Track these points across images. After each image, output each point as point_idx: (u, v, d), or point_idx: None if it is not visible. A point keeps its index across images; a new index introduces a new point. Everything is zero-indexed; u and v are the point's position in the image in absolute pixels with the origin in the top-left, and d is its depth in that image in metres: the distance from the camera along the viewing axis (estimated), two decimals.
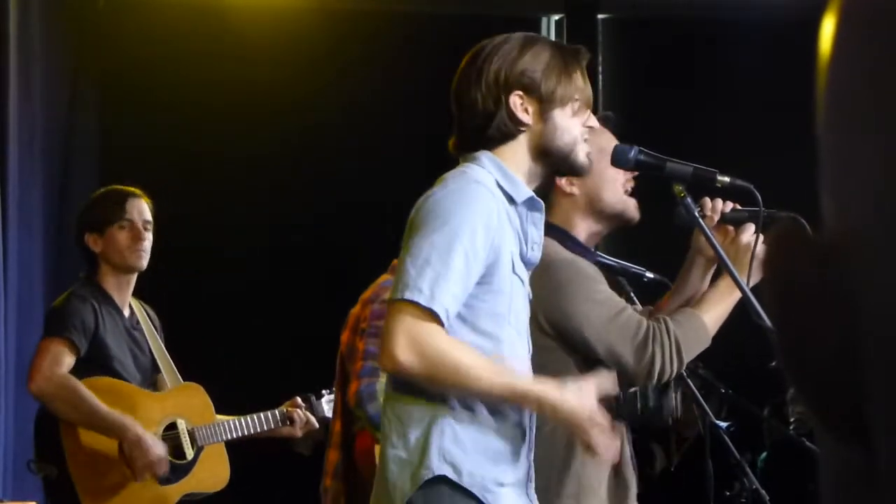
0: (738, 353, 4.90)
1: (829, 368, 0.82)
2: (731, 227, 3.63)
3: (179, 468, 5.03)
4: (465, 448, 3.02)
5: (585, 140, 3.24)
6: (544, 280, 3.48)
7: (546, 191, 3.66)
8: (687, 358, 3.56)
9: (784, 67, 6.52)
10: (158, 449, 4.88)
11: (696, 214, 3.50)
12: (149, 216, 5.13)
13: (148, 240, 5.09)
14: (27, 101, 5.89)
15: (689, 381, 4.24)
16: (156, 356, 5.18)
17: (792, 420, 6.48)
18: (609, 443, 3.03)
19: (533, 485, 3.19)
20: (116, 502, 4.89)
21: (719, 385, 5.13)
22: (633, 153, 3.52)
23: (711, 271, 3.74)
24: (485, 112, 3.16)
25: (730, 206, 3.62)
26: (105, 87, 6.94)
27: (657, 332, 3.52)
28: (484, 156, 3.15)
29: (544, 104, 3.18)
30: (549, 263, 3.53)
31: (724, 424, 4.42)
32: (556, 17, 7.77)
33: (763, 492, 4.28)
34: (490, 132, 3.16)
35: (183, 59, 7.07)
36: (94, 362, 4.93)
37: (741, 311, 3.57)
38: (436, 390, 3.01)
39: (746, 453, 4.64)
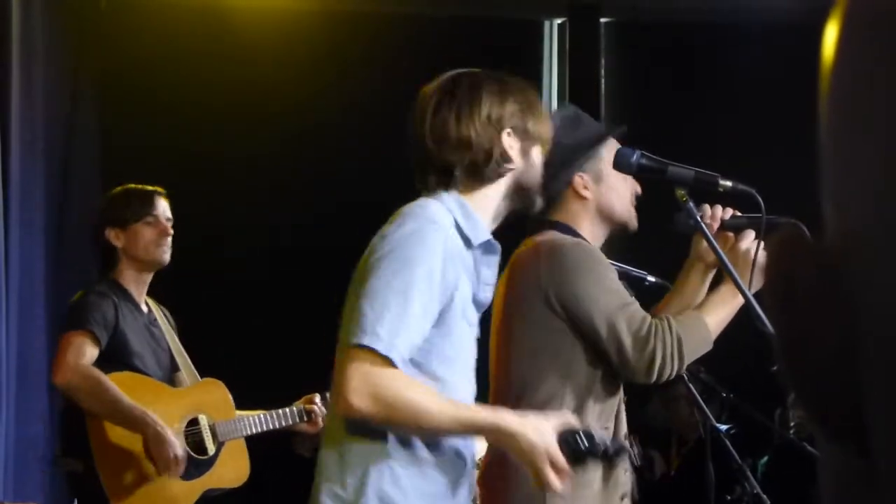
0: (738, 357, 4.90)
1: (828, 371, 0.82)
2: (730, 234, 3.64)
3: (202, 463, 5.06)
4: (404, 491, 3.02)
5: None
6: (555, 261, 3.50)
7: (558, 190, 3.68)
8: (688, 358, 3.57)
9: (784, 70, 6.52)
10: (177, 447, 4.87)
11: (699, 219, 3.51)
12: (170, 214, 5.19)
13: (171, 236, 5.15)
14: (29, 101, 5.89)
15: (690, 384, 4.24)
16: (174, 353, 5.21)
17: (792, 424, 6.49)
18: (558, 480, 3.00)
19: None
20: (141, 496, 4.89)
21: (720, 389, 5.13)
22: (635, 157, 3.52)
23: (711, 276, 3.75)
24: (481, 150, 3.16)
25: (729, 212, 3.62)
26: (106, 87, 6.94)
27: (660, 329, 3.53)
28: (448, 195, 3.15)
29: (526, 143, 3.21)
30: (561, 246, 3.55)
31: (724, 428, 4.42)
32: (559, 20, 7.77)
33: (764, 496, 4.28)
34: (487, 171, 3.16)
35: (184, 60, 7.08)
36: (114, 358, 4.95)
37: (742, 315, 3.57)
38: (382, 430, 3.00)
39: (747, 457, 4.64)
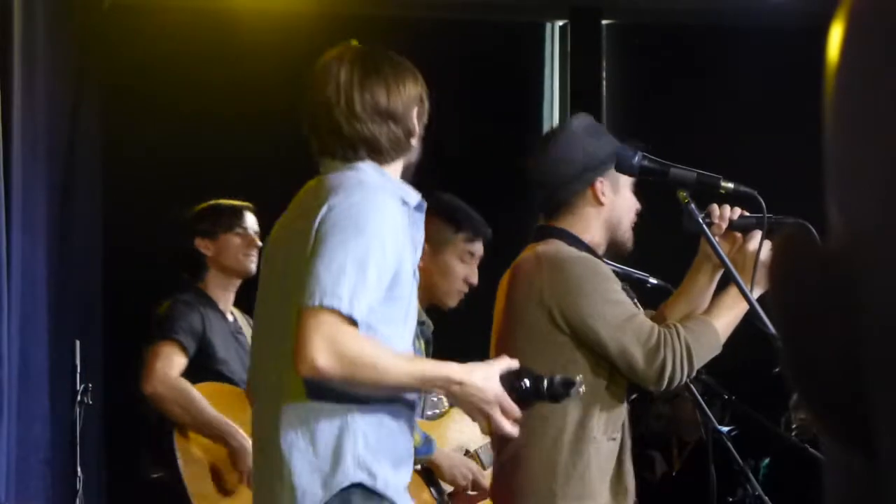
0: (741, 359, 4.90)
1: (832, 373, 0.82)
2: (738, 234, 3.63)
3: None
4: (376, 454, 3.06)
5: None
6: (559, 276, 3.50)
7: (573, 192, 3.68)
8: (698, 364, 3.57)
9: (787, 73, 6.52)
10: None
11: (700, 221, 3.50)
12: (258, 228, 5.35)
13: (258, 248, 5.25)
14: (31, 105, 5.89)
15: (692, 386, 4.24)
16: None
17: (794, 426, 6.49)
18: (510, 423, 3.06)
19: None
20: None
21: (722, 391, 5.12)
22: (636, 159, 3.52)
23: (718, 276, 3.74)
24: (406, 125, 3.24)
25: (738, 212, 3.60)
26: (108, 91, 6.94)
27: (669, 337, 3.53)
28: (366, 165, 3.21)
29: (420, 120, 3.29)
30: (564, 260, 3.55)
31: (726, 430, 4.41)
32: (560, 23, 7.77)
33: (766, 498, 4.28)
34: (404, 145, 3.24)
35: (186, 65, 7.08)
36: (201, 366, 5.06)
37: (745, 316, 3.57)
38: (344, 392, 3.03)
39: (749, 459, 4.63)
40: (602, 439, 3.58)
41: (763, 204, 3.46)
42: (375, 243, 3.02)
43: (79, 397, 5.66)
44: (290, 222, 3.23)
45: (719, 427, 4.41)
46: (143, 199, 6.99)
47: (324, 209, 3.09)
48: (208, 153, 7.04)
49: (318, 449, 3.04)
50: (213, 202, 5.44)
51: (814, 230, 2.62)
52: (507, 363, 3.13)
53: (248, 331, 5.27)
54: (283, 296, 3.09)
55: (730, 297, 3.60)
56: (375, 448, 3.06)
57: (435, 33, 7.28)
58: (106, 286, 6.86)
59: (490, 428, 3.12)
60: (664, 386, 3.56)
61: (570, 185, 3.65)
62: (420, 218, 3.25)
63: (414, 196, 3.21)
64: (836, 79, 0.83)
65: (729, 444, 4.26)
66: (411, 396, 3.18)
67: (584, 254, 3.63)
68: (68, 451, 5.72)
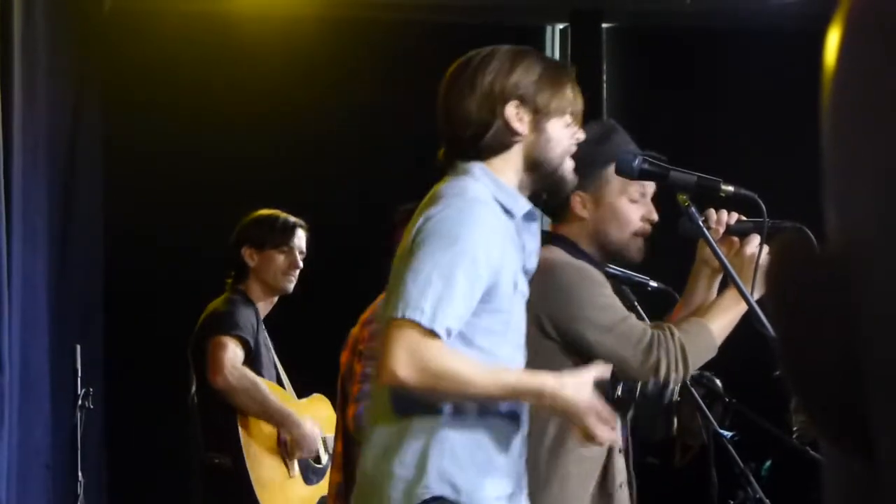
0: (741, 361, 4.89)
1: (831, 376, 0.82)
2: (735, 239, 3.63)
3: (319, 472, 5.44)
4: (462, 466, 3.04)
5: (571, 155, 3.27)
6: (548, 283, 3.48)
7: (563, 204, 3.67)
8: (693, 366, 3.57)
9: (786, 76, 6.51)
10: (320, 449, 5.34)
11: (700, 224, 3.50)
12: (305, 247, 5.52)
13: (300, 268, 5.49)
14: (31, 109, 5.89)
15: (692, 389, 4.23)
16: (279, 371, 5.54)
17: (795, 429, 6.48)
18: (608, 430, 3.05)
19: (526, 492, 3.21)
20: (279, 494, 5.27)
21: (723, 394, 5.12)
22: (637, 162, 3.52)
23: (717, 281, 3.74)
24: (479, 122, 3.16)
25: (735, 217, 3.61)
26: (109, 95, 6.94)
27: (662, 338, 3.52)
28: (477, 168, 3.16)
29: (538, 115, 3.19)
30: (554, 267, 3.54)
31: (727, 433, 4.41)
32: (561, 26, 7.77)
33: (767, 501, 4.28)
34: (485, 142, 3.16)
35: (187, 66, 7.08)
36: (250, 366, 5.28)
37: (744, 320, 3.57)
38: (433, 403, 3.03)
39: (750, 462, 4.63)
40: (579, 444, 3.55)
41: (763, 207, 3.47)
42: (466, 254, 2.99)
43: (79, 401, 5.67)
44: (405, 235, 3.18)
45: (721, 431, 4.41)
46: (144, 202, 7.00)
47: (421, 220, 3.07)
48: (209, 155, 7.04)
49: (404, 460, 3.04)
50: (269, 213, 5.56)
51: (811, 234, 2.62)
52: (600, 370, 3.12)
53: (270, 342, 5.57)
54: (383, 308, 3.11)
55: (726, 300, 3.61)
56: (462, 461, 3.04)
57: (435, 37, 7.28)
58: (106, 290, 6.86)
59: (586, 436, 3.07)
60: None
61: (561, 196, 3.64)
62: (535, 227, 3.22)
63: (522, 205, 3.17)
64: (834, 81, 0.83)
65: (730, 447, 4.26)
66: (509, 408, 3.13)
67: (577, 261, 3.61)
68: (69, 455, 5.73)
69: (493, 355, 3.08)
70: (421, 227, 3.05)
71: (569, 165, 3.24)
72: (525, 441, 3.19)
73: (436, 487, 3.01)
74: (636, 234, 3.72)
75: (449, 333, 2.98)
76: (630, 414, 3.28)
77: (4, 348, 5.41)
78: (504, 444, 3.10)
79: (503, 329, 3.10)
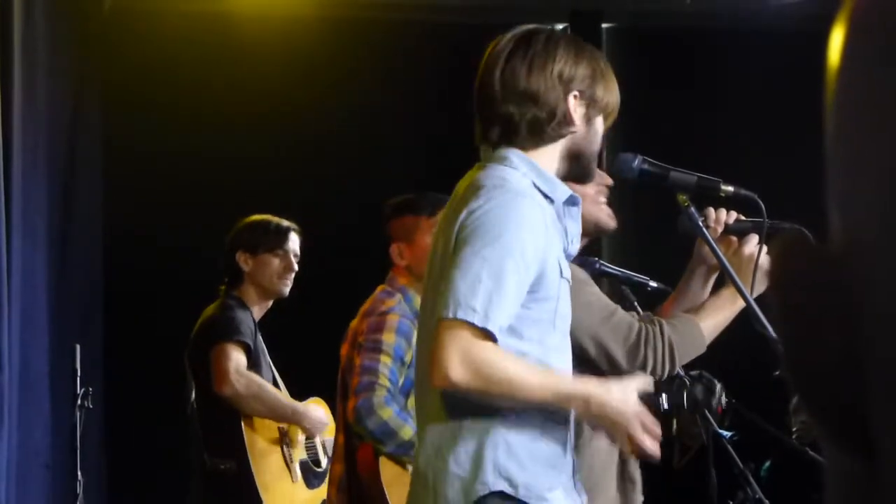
0: (741, 361, 4.89)
1: (832, 376, 0.82)
2: (734, 238, 3.63)
3: (320, 475, 5.48)
4: (519, 460, 3.01)
5: None
6: None
7: None
8: (680, 361, 3.57)
9: (787, 75, 6.52)
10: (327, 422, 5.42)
11: (700, 224, 3.50)
12: (299, 250, 5.54)
13: (295, 272, 5.52)
14: (31, 106, 5.89)
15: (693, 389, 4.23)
16: (275, 374, 5.57)
17: (795, 429, 6.48)
18: (653, 441, 3.02)
19: (581, 486, 3.20)
20: (283, 497, 5.31)
21: (722, 393, 5.11)
22: (636, 162, 3.52)
23: (713, 280, 3.75)
24: (547, 105, 3.12)
25: (734, 216, 3.61)
26: (109, 95, 6.94)
27: (650, 333, 3.53)
28: (514, 155, 3.13)
29: (592, 109, 3.18)
30: None
31: (727, 434, 4.41)
32: (560, 26, 7.77)
33: (767, 501, 4.27)
34: (547, 129, 3.13)
35: (187, 66, 7.09)
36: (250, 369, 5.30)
37: (744, 320, 3.57)
38: (487, 402, 3.00)
39: (749, 462, 4.63)
40: (596, 436, 3.57)
41: (763, 207, 3.47)
42: (514, 250, 2.96)
43: (79, 401, 5.68)
44: (445, 225, 3.12)
45: (721, 431, 4.41)
46: (144, 202, 7.00)
47: (463, 214, 3.02)
48: (209, 155, 7.04)
49: (459, 458, 3.00)
50: (262, 218, 5.57)
51: (811, 235, 2.62)
52: (644, 380, 3.11)
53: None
54: (432, 305, 3.04)
55: (720, 299, 3.61)
56: (519, 455, 3.02)
57: (435, 37, 7.29)
58: (106, 290, 6.86)
59: (632, 447, 3.04)
60: None
61: None
62: (576, 211, 3.19)
63: (562, 191, 3.14)
64: (837, 80, 0.83)
65: (729, 447, 4.26)
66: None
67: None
68: (69, 454, 5.73)
69: (544, 345, 3.06)
70: (465, 223, 3.01)
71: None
72: (573, 432, 3.18)
73: (493, 483, 2.99)
74: (601, 202, 3.71)
75: (501, 331, 2.95)
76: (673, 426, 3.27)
77: (4, 348, 5.41)
78: (556, 438, 3.08)
79: (551, 317, 3.08)
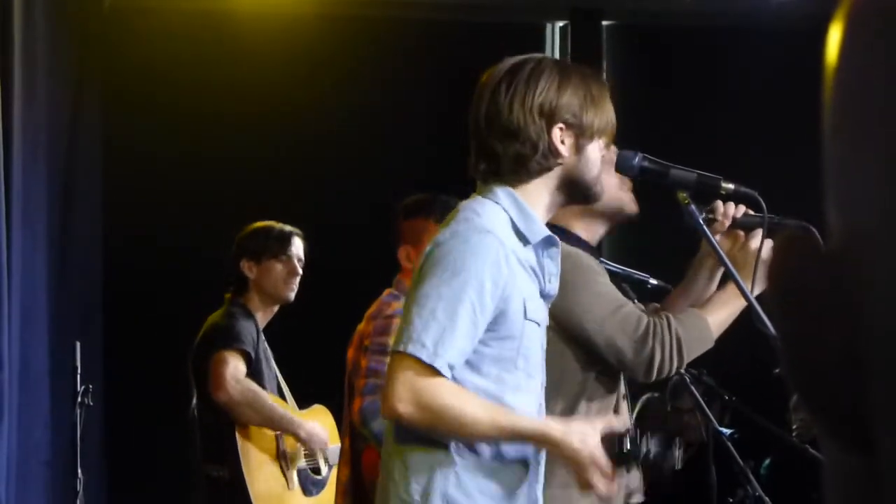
0: (741, 359, 4.90)
1: (832, 375, 0.82)
2: (741, 232, 3.62)
3: (319, 483, 5.50)
4: (468, 493, 3.02)
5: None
6: None
7: None
8: (688, 356, 3.56)
9: (786, 73, 6.52)
10: (325, 438, 5.42)
11: (700, 221, 3.50)
12: (303, 255, 5.54)
13: (300, 276, 5.53)
14: (31, 106, 5.89)
15: (692, 387, 4.23)
16: (280, 382, 5.58)
17: (795, 427, 6.48)
18: (607, 483, 3.01)
19: None
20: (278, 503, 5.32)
21: (722, 392, 5.12)
22: (636, 160, 3.51)
23: (719, 273, 3.74)
24: (528, 140, 3.09)
25: (742, 210, 3.60)
26: (109, 93, 6.94)
27: (658, 327, 3.51)
28: (501, 190, 3.10)
29: (581, 138, 3.14)
30: None
31: (727, 431, 4.42)
32: (561, 23, 7.77)
33: (766, 499, 4.28)
34: (531, 164, 3.10)
35: (187, 65, 7.08)
36: (251, 378, 5.31)
37: (745, 317, 3.56)
38: (438, 437, 3.01)
39: (749, 460, 4.63)
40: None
41: (763, 205, 3.46)
42: (470, 288, 2.95)
43: (79, 399, 5.68)
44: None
45: (721, 429, 4.41)
46: (144, 200, 7.00)
47: (430, 245, 3.03)
48: (209, 155, 7.04)
49: (409, 488, 3.01)
50: (264, 224, 5.57)
51: (816, 231, 2.62)
52: (610, 422, 3.11)
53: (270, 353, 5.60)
54: None
55: (726, 294, 3.60)
56: (469, 487, 3.02)
57: (435, 35, 7.29)
58: (106, 289, 6.87)
59: (585, 486, 3.04)
60: (654, 377, 3.55)
61: None
62: (555, 252, 3.16)
63: (539, 231, 3.10)
64: (835, 78, 0.83)
65: (729, 445, 4.26)
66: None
67: (573, 248, 3.60)
68: (69, 452, 5.73)
69: (502, 382, 3.04)
70: (428, 254, 3.02)
71: (601, 183, 3.21)
72: (541, 469, 3.16)
73: None
74: (624, 189, 3.71)
75: (451, 368, 2.95)
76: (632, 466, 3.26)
77: (4, 346, 5.41)
78: (510, 474, 3.07)
79: (513, 356, 3.05)
